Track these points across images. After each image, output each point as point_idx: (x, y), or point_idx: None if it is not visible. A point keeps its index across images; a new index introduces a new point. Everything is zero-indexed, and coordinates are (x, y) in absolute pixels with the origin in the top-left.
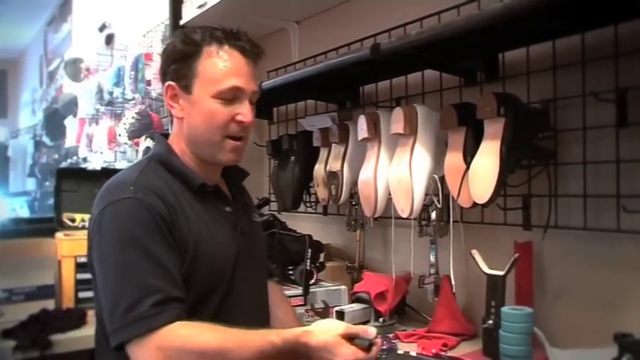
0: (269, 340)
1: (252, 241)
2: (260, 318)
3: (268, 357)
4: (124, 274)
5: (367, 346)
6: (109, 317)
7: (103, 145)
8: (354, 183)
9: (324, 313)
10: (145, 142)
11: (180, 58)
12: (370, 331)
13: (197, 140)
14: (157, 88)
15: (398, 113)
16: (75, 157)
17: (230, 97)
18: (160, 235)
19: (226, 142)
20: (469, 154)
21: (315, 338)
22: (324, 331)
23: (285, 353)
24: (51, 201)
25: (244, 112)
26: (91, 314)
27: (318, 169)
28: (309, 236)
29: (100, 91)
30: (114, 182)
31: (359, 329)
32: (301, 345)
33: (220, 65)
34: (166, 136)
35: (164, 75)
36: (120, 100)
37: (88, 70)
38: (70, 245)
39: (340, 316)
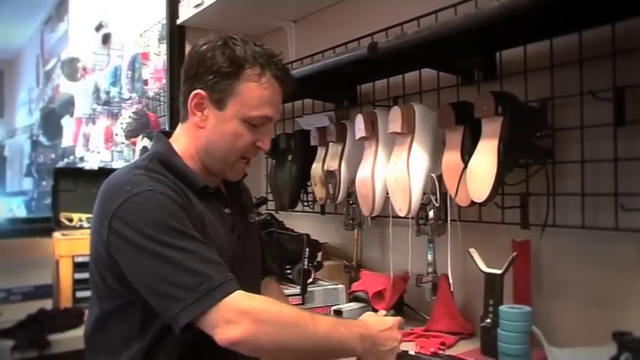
0: (340, 321)
1: (248, 243)
2: None
3: (338, 339)
4: (179, 257)
5: None
6: (168, 302)
7: (99, 144)
8: (352, 182)
9: None
10: (142, 142)
11: (219, 72)
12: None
13: (212, 154)
14: (153, 87)
15: (395, 112)
16: (72, 157)
17: (258, 123)
18: (187, 223)
19: (239, 163)
20: (467, 153)
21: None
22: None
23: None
24: (48, 201)
25: (266, 140)
26: None
27: (316, 168)
28: (307, 235)
29: (97, 90)
30: (119, 180)
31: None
32: (367, 337)
33: (258, 93)
34: (166, 134)
35: (193, 80)
36: (117, 99)
37: (84, 69)
38: (68, 245)
39: (338, 315)
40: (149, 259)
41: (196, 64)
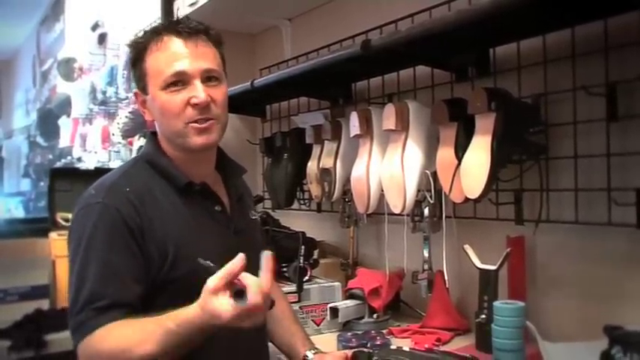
0: (166, 328)
1: (248, 239)
2: None
3: (174, 342)
4: (78, 280)
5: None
6: (68, 319)
7: (96, 144)
8: (347, 179)
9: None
10: (139, 142)
11: (132, 64)
12: (236, 262)
13: (167, 134)
14: None
15: (390, 109)
16: (69, 157)
17: (177, 83)
18: (120, 242)
19: (189, 128)
20: (461, 150)
21: (199, 309)
22: (201, 297)
23: (190, 333)
24: (45, 201)
25: (196, 93)
26: None
27: (311, 166)
28: (303, 233)
29: (94, 90)
30: (94, 185)
31: (226, 272)
32: (196, 322)
33: (160, 57)
34: (156, 134)
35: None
36: (113, 99)
37: (81, 69)
38: (64, 245)
39: (334, 312)
40: (68, 272)
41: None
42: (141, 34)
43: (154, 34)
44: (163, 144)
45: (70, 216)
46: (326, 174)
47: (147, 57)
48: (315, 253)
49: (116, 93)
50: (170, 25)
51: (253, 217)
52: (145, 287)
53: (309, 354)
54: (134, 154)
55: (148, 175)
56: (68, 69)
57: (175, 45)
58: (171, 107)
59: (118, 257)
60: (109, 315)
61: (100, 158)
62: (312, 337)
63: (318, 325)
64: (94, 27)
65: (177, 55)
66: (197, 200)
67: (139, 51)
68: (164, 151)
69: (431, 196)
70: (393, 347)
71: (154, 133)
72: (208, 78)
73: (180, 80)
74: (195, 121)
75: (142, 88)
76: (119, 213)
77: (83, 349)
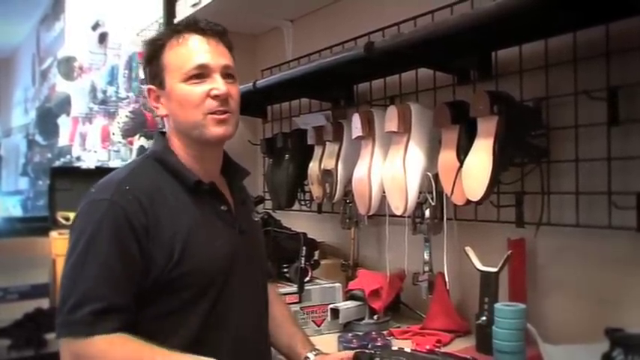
0: None
1: (251, 240)
2: (257, 318)
3: None
4: (75, 275)
5: None
6: (56, 311)
7: (96, 144)
8: (349, 181)
9: None
10: (139, 141)
11: (149, 60)
12: None
13: (184, 127)
14: None
15: (392, 111)
16: (68, 156)
17: (198, 76)
18: (122, 242)
19: (208, 119)
20: (462, 152)
21: None
22: None
23: None
24: (44, 200)
25: (217, 85)
26: None
27: (313, 167)
28: (304, 234)
29: (94, 89)
30: (102, 181)
31: None
32: None
33: (181, 51)
34: (165, 133)
35: (146, 81)
36: (113, 98)
37: (81, 68)
38: (65, 244)
39: (335, 313)
40: (64, 265)
41: (143, 68)
42: (160, 32)
43: (174, 32)
44: (173, 142)
45: (70, 215)
46: (327, 175)
47: (166, 52)
48: (316, 254)
49: (117, 92)
50: (190, 24)
51: (255, 219)
52: (140, 289)
53: (311, 355)
54: (134, 154)
55: (157, 173)
56: (68, 68)
57: (197, 41)
58: (192, 98)
59: (118, 258)
60: (107, 321)
61: (100, 157)
62: (312, 338)
63: (318, 326)
64: (95, 26)
65: (199, 49)
66: (205, 199)
67: (156, 47)
68: (173, 150)
69: (432, 198)
70: (394, 348)
71: (163, 133)
72: (227, 75)
73: (201, 73)
74: (214, 112)
75: (159, 83)
76: (124, 211)
77: (73, 351)
